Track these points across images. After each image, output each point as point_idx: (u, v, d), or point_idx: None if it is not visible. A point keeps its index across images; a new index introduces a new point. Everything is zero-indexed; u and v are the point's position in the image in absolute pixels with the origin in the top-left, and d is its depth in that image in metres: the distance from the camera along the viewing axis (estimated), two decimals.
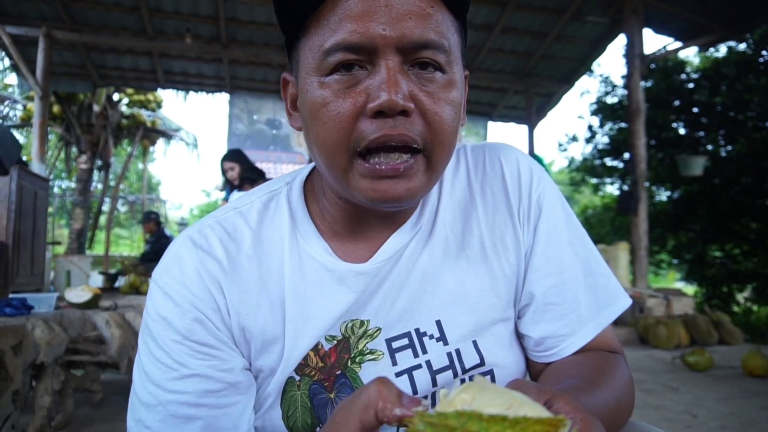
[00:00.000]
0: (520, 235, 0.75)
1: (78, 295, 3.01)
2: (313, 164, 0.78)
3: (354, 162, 0.60)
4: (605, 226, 11.86)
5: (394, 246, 0.71)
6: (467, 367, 0.71)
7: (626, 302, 0.76)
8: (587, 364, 0.70)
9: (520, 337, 0.78)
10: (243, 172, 4.65)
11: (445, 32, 0.60)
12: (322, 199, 0.73)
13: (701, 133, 9.87)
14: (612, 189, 13.04)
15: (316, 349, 0.69)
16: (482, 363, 0.71)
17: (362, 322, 0.70)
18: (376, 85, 0.58)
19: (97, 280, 7.85)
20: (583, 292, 0.74)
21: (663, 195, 11.39)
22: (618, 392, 0.65)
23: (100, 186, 13.67)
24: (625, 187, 10.47)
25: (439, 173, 0.64)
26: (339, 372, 0.69)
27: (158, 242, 7.02)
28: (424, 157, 0.61)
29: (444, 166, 0.64)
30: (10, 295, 3.13)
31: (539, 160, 7.40)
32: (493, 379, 0.72)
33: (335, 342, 0.70)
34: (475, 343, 0.71)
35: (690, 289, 11.35)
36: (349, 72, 0.59)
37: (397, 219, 0.72)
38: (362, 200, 0.62)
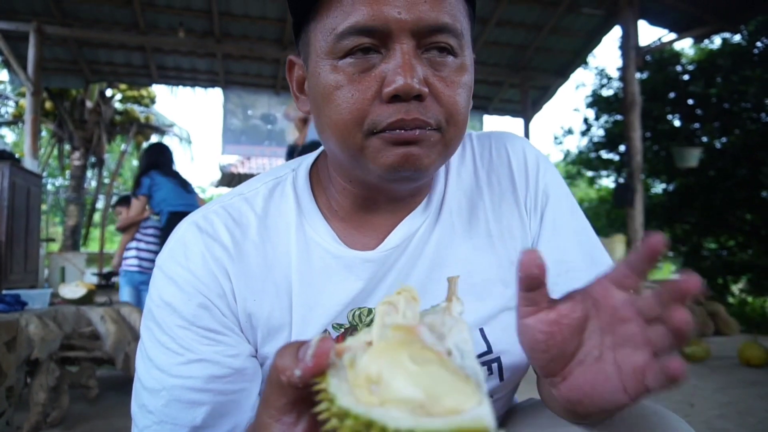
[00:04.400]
0: (526, 224, 0.75)
1: (72, 290, 2.98)
2: (317, 152, 0.78)
3: (369, 139, 0.60)
4: (601, 219, 11.90)
5: (402, 234, 0.71)
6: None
7: None
8: None
9: None
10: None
11: (458, 15, 0.61)
12: (329, 186, 0.72)
13: (696, 125, 9.89)
14: (608, 182, 13.09)
15: None
16: (489, 351, 0.70)
17: (369, 310, 0.70)
18: (392, 69, 0.58)
19: (91, 276, 7.82)
20: (587, 282, 0.72)
21: (659, 187, 11.44)
22: None
23: (94, 183, 13.60)
24: (621, 180, 10.48)
25: (452, 151, 0.64)
26: None
27: None
28: (438, 132, 0.61)
29: (456, 146, 0.65)
30: (4, 292, 3.10)
31: None
32: (500, 367, 0.71)
33: (342, 330, 0.69)
34: (482, 330, 0.71)
35: None
36: (363, 56, 0.59)
37: (404, 206, 0.72)
38: (378, 173, 0.61)
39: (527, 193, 0.75)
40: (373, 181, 0.65)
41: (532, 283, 0.46)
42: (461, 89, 0.62)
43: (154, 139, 14.21)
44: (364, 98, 0.59)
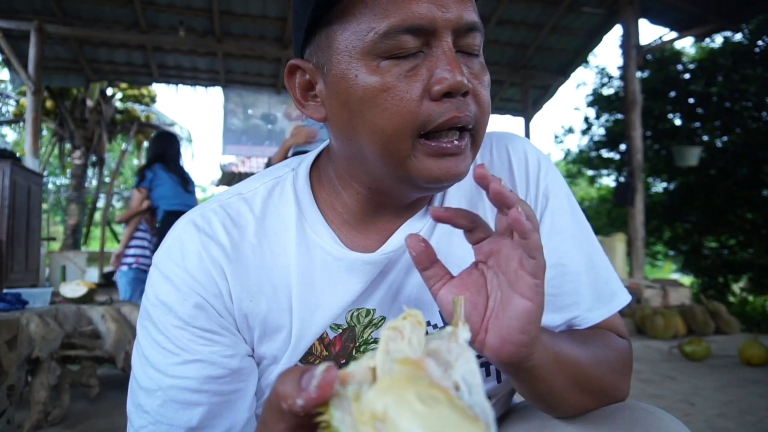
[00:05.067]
0: None
1: (73, 289, 2.99)
2: (317, 151, 0.76)
3: (417, 144, 0.60)
4: (602, 218, 11.89)
5: (403, 236, 0.70)
6: None
7: (626, 298, 0.76)
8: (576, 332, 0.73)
9: None
10: None
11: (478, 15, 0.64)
12: (334, 187, 0.71)
13: (697, 124, 9.88)
14: (608, 181, 13.08)
15: (321, 338, 0.68)
16: None
17: (368, 311, 0.70)
18: (440, 66, 0.58)
19: (92, 275, 7.83)
20: (584, 286, 0.73)
21: (659, 186, 11.42)
22: (599, 352, 0.67)
23: (94, 182, 13.61)
24: (622, 179, 10.47)
25: (477, 153, 0.66)
26: (343, 361, 0.68)
27: None
28: (471, 136, 0.62)
29: (479, 147, 0.66)
30: (4, 290, 3.11)
31: None
32: (498, 369, 0.71)
33: (340, 331, 0.69)
34: None
35: (686, 279, 11.39)
36: (407, 55, 0.58)
37: (409, 209, 0.71)
38: (421, 181, 0.61)
39: (527, 194, 0.74)
40: (404, 187, 0.64)
41: (425, 260, 0.55)
42: (487, 88, 0.63)
43: None
44: (413, 99, 0.58)
